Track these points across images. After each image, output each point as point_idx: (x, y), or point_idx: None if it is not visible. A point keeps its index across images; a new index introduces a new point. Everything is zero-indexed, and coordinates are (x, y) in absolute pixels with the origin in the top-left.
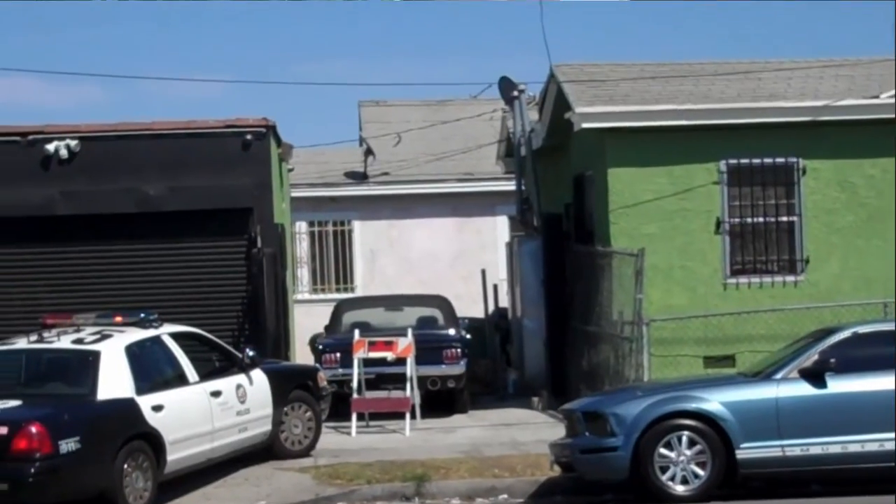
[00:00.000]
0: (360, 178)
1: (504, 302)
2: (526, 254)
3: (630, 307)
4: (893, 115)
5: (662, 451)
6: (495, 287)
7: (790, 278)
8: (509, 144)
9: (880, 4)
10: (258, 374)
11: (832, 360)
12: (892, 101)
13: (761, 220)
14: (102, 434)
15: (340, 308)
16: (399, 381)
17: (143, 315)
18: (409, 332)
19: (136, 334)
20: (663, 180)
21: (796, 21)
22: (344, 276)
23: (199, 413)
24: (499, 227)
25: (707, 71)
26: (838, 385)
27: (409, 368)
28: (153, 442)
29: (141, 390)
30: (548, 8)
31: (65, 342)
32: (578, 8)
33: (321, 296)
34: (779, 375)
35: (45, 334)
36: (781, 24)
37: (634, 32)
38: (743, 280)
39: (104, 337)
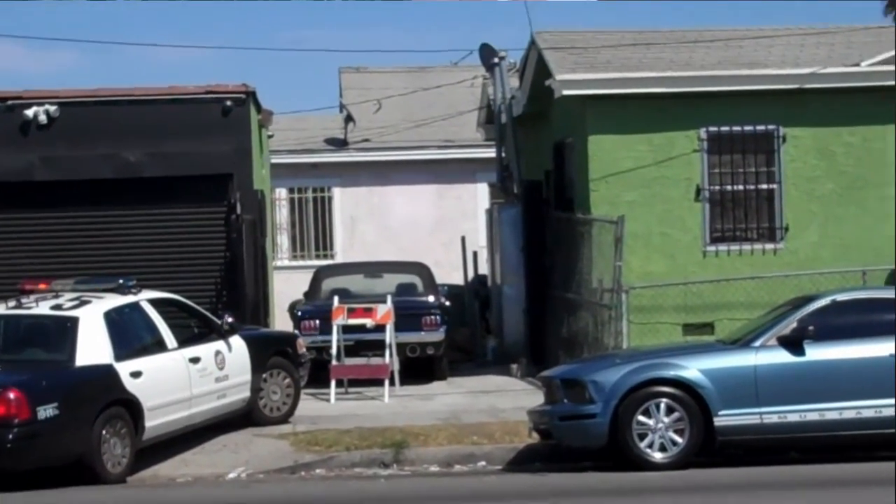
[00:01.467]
0: (340, 144)
1: (484, 269)
2: (506, 221)
3: (609, 274)
4: (874, 84)
5: (641, 418)
6: (475, 254)
7: (769, 246)
8: (490, 111)
9: None
10: (237, 341)
11: (810, 328)
12: (873, 69)
13: (741, 187)
14: (80, 400)
15: (320, 275)
16: (378, 347)
17: (121, 281)
18: (389, 298)
19: (115, 300)
20: (643, 147)
21: None
22: (324, 242)
23: (178, 379)
24: (479, 195)
25: (688, 38)
26: (816, 353)
27: (389, 335)
28: (131, 408)
29: (119, 356)
30: None
31: (43, 308)
32: None
33: (301, 262)
34: (757, 343)
35: (24, 300)
36: None
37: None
38: (722, 248)
39: (82, 303)
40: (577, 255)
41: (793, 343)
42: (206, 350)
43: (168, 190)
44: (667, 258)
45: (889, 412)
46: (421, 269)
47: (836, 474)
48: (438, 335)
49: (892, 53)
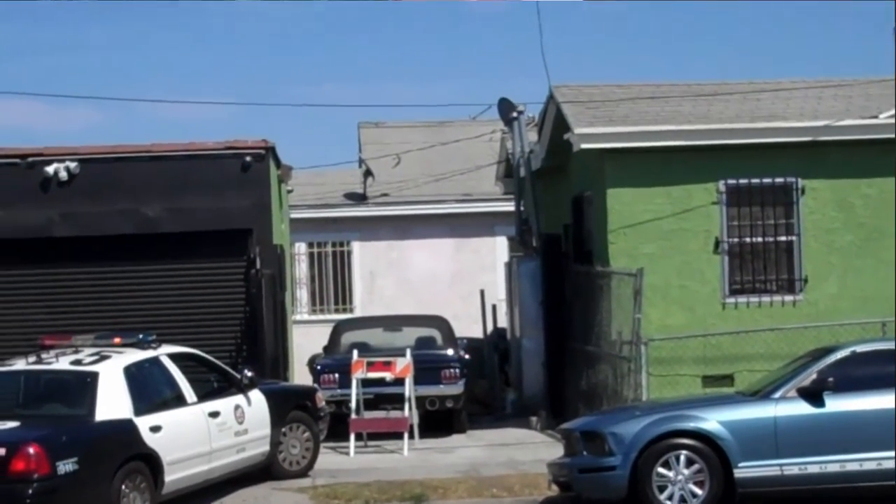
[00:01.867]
0: (359, 199)
1: (503, 322)
2: (525, 274)
3: (628, 327)
4: (892, 136)
5: (661, 470)
6: (494, 307)
7: (789, 298)
8: (508, 165)
9: (877, 23)
10: (256, 395)
11: (830, 379)
12: (891, 121)
13: (760, 239)
14: (100, 455)
15: (339, 328)
16: (397, 401)
17: (141, 336)
18: (408, 352)
19: (135, 355)
20: (662, 200)
21: (794, 41)
22: (343, 296)
23: (197, 434)
24: (497, 248)
25: (706, 91)
26: (836, 404)
27: (408, 388)
28: (151, 463)
29: (139, 411)
30: (546, 30)
31: (63, 363)
32: (577, 29)
33: (320, 316)
34: (777, 394)
35: (44, 355)
36: (779, 45)
37: (633, 53)
38: (742, 299)
39: (102, 358)
40: (596, 307)
41: (813, 395)
42: (225, 404)
43: (188, 245)
44: (686, 310)
45: None
46: (440, 323)
47: None
48: (458, 388)
49: None
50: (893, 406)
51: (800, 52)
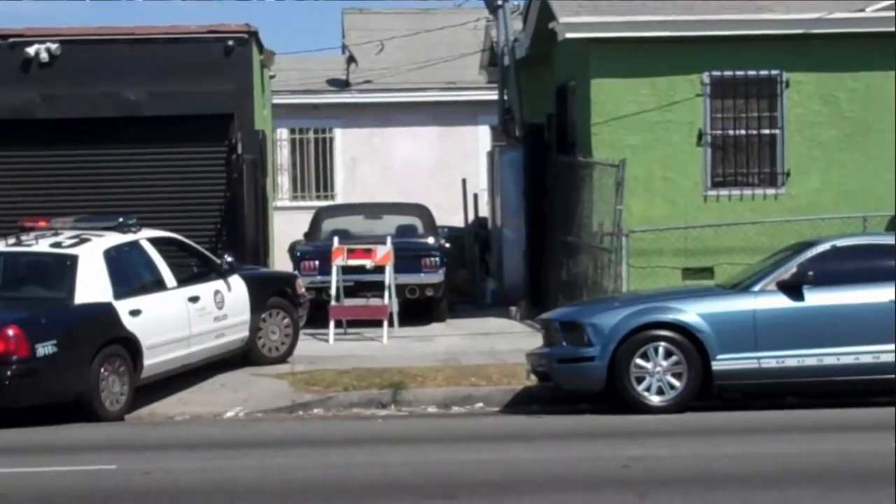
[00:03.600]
0: (342, 85)
1: (484, 212)
2: (507, 164)
3: (610, 218)
4: (879, 29)
5: (639, 361)
6: (475, 196)
7: (770, 191)
8: (492, 54)
9: None
10: (236, 281)
11: (810, 273)
12: (879, 14)
13: (743, 132)
14: (79, 338)
15: (320, 215)
16: (377, 288)
17: (121, 219)
18: (389, 239)
19: (115, 238)
20: (646, 91)
21: None
22: (324, 183)
23: (177, 318)
24: (480, 137)
25: None
26: (816, 298)
27: (388, 276)
28: (130, 346)
29: (118, 295)
30: None
31: (43, 246)
32: None
33: (301, 203)
34: (757, 288)
35: (23, 237)
36: None
37: None
38: (724, 192)
39: (82, 241)
40: (577, 198)
41: (792, 288)
42: (205, 289)
43: (169, 129)
44: (668, 202)
45: (888, 358)
46: (421, 211)
47: (833, 419)
48: (438, 277)
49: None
50: (872, 301)
51: None
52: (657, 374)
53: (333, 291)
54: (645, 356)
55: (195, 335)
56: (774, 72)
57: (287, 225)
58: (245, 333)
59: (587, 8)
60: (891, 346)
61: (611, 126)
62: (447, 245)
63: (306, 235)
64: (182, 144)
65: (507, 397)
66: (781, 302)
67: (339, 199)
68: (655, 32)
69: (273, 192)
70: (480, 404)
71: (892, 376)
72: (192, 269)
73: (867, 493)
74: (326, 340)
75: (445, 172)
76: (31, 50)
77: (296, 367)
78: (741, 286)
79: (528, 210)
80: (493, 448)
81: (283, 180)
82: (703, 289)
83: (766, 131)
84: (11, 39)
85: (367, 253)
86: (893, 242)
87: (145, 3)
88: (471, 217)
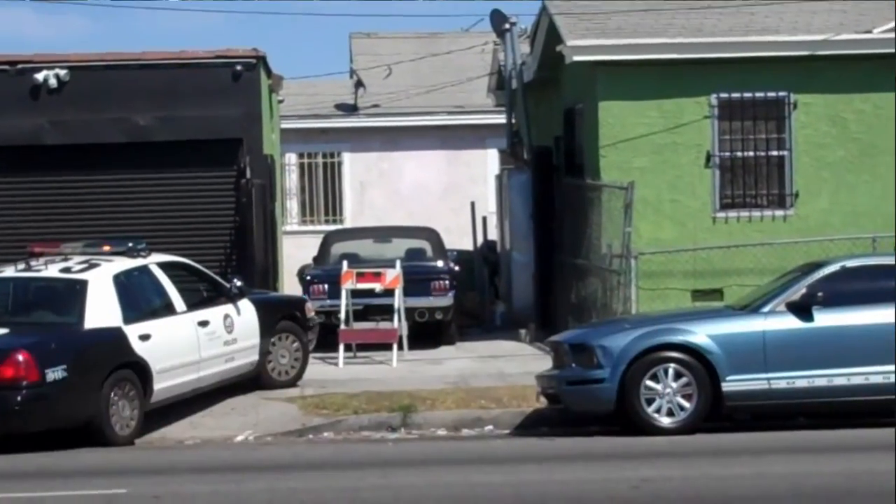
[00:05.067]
0: (350, 109)
1: (493, 235)
2: (515, 187)
3: (619, 240)
4: (886, 51)
5: (649, 383)
6: (484, 220)
7: (779, 212)
8: (500, 77)
9: None
10: (246, 305)
11: (820, 294)
12: (885, 36)
13: (751, 154)
14: (89, 363)
15: (329, 239)
16: (387, 312)
17: (131, 244)
18: (398, 263)
19: (124, 263)
20: (654, 114)
21: None
22: (333, 207)
23: (187, 342)
24: (489, 160)
25: (699, 5)
26: (825, 318)
27: (397, 300)
28: (140, 371)
29: (128, 319)
30: None
31: (52, 271)
32: None
33: (310, 227)
34: (766, 309)
35: (33, 263)
36: None
37: None
38: (732, 214)
39: (92, 266)
40: (586, 221)
41: (802, 309)
42: (214, 314)
43: (178, 154)
44: (676, 224)
45: None
46: (430, 234)
47: (843, 440)
48: (447, 300)
49: None
50: (882, 322)
51: None
52: (667, 395)
53: (343, 315)
54: (655, 378)
55: (205, 359)
56: (782, 93)
57: (296, 249)
58: (255, 357)
59: (595, 31)
60: None
61: (619, 148)
62: (456, 268)
63: (315, 259)
64: (191, 169)
65: (516, 420)
66: (791, 323)
67: (348, 222)
68: (663, 55)
69: (282, 216)
70: (490, 427)
71: None
72: (202, 294)
73: None
74: (336, 364)
75: (454, 196)
76: (39, 76)
77: (305, 390)
78: (751, 307)
79: (537, 233)
80: (503, 470)
81: (292, 204)
82: (713, 310)
83: (775, 153)
84: (20, 66)
85: (377, 276)
86: None
87: (153, 26)
88: (480, 240)
